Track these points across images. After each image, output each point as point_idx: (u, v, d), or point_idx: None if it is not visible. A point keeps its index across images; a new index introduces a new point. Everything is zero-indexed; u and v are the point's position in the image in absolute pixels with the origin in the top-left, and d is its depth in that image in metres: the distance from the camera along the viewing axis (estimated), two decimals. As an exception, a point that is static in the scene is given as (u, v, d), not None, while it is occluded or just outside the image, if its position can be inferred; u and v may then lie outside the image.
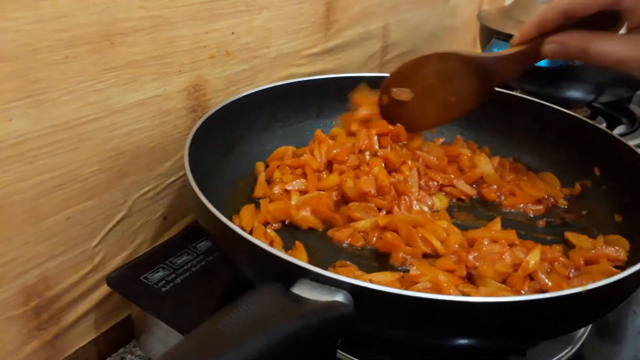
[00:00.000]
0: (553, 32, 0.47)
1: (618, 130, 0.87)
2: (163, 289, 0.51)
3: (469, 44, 1.30)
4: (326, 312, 0.29)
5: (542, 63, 0.74)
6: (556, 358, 0.42)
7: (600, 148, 0.56)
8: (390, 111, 0.57)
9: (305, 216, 0.49)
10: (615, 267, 0.44)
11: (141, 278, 0.52)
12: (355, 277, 0.39)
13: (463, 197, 0.56)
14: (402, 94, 0.55)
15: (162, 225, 0.61)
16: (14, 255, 0.46)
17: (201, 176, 0.51)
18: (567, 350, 0.43)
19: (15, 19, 0.41)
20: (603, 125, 0.86)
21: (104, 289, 0.55)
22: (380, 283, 0.38)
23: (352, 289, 0.32)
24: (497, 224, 0.50)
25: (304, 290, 0.32)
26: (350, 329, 0.31)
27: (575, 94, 0.85)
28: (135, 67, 0.52)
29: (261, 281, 0.35)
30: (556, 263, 0.46)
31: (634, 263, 0.36)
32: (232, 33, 0.62)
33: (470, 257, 0.43)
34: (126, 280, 0.52)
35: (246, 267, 0.39)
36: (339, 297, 0.31)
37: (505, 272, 0.42)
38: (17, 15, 0.41)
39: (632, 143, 0.84)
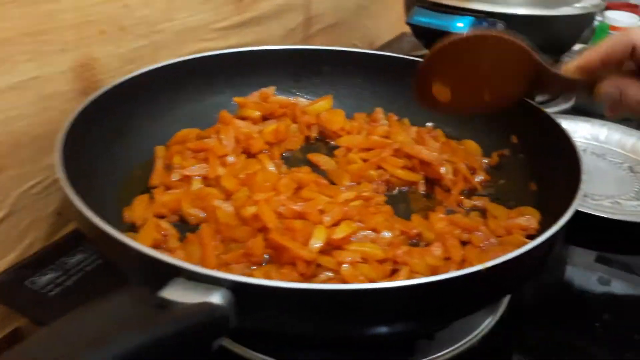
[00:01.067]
0: (618, 67, 0.46)
1: (540, 99, 0.86)
2: (50, 294, 0.46)
3: (400, 15, 1.27)
4: (190, 318, 0.25)
5: (463, 30, 0.73)
6: (466, 339, 0.40)
7: (517, 115, 0.54)
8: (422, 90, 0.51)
9: (194, 214, 0.45)
10: (530, 236, 0.43)
11: (25, 283, 0.47)
12: (246, 273, 0.36)
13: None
14: (443, 93, 0.49)
15: (56, 222, 0.55)
16: None
17: (87, 164, 0.46)
18: (475, 333, 0.42)
19: None
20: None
21: (-14, 297, 0.49)
22: (274, 277, 0.35)
23: (234, 287, 0.28)
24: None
25: (177, 292, 0.28)
26: (226, 330, 0.27)
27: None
28: (5, 46, 0.46)
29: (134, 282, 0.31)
30: (476, 233, 0.44)
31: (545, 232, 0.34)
32: (125, 6, 0.56)
33: (399, 252, 0.40)
34: (7, 287, 0.47)
35: (120, 267, 0.35)
36: (215, 296, 0.27)
37: (436, 264, 0.39)
38: None
39: (554, 109, 0.86)
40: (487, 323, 0.43)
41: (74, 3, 0.50)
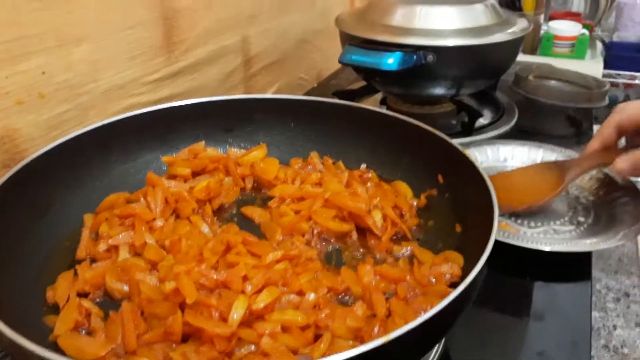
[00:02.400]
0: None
1: (480, 122, 0.88)
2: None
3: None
4: None
5: (393, 66, 0.75)
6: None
7: (440, 154, 0.55)
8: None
9: (119, 288, 0.44)
10: (453, 284, 0.43)
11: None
12: (165, 358, 0.35)
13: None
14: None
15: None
16: None
17: (10, 240, 0.45)
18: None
19: None
20: (465, 119, 0.88)
21: None
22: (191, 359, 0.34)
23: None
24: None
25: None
26: None
27: (436, 90, 0.85)
28: None
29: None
30: (402, 283, 0.45)
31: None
32: (43, 73, 0.55)
33: (321, 316, 0.40)
34: None
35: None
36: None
37: (358, 326, 0.39)
38: None
39: (495, 133, 0.88)
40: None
41: (-13, 77, 0.50)
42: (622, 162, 0.56)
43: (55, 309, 0.43)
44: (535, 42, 1.43)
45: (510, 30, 0.82)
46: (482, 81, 0.88)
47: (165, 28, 0.71)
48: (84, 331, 0.41)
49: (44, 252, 0.49)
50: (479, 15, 0.81)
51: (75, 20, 0.57)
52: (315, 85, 1.18)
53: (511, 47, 0.86)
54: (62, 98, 0.58)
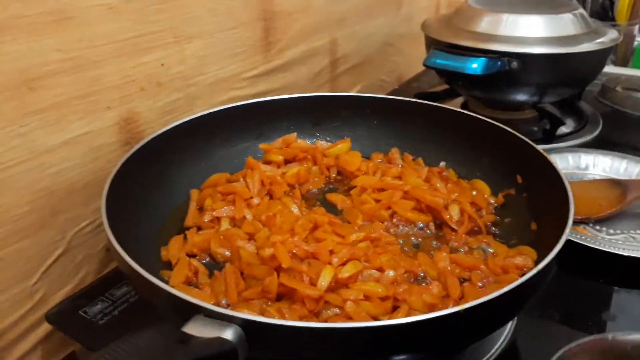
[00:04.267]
0: None
1: (562, 131, 0.88)
2: (100, 322, 0.52)
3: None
4: (205, 350, 0.30)
5: (477, 70, 0.77)
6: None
7: (521, 156, 0.57)
8: None
9: (221, 252, 0.50)
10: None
11: (80, 312, 0.53)
12: (262, 311, 0.41)
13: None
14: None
15: (105, 257, 0.62)
16: (-54, 301, 0.48)
17: (131, 208, 0.53)
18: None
19: None
20: (547, 126, 0.89)
21: (46, 325, 0.56)
22: (285, 313, 0.40)
23: (244, 324, 0.33)
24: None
25: (197, 327, 0.33)
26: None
27: (519, 97, 0.86)
28: (59, 109, 0.53)
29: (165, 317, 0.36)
30: (476, 271, 0.48)
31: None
32: (162, 64, 0.63)
33: (400, 290, 0.44)
34: (65, 316, 0.53)
35: (151, 302, 0.40)
36: (227, 332, 0.33)
37: (433, 302, 0.43)
38: None
39: (577, 142, 0.88)
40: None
41: (117, 66, 0.58)
42: None
43: (168, 266, 0.51)
44: (627, 53, 1.38)
45: (598, 41, 0.82)
46: (566, 90, 0.89)
47: (264, 29, 0.78)
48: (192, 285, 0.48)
49: (158, 218, 0.57)
50: (567, 25, 0.81)
51: (190, 20, 0.65)
52: (397, 87, 1.22)
53: (598, 58, 0.85)
54: (176, 87, 0.66)
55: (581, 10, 0.85)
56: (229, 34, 0.72)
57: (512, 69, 0.79)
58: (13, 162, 0.50)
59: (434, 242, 0.54)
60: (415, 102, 0.70)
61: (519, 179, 0.58)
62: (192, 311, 0.34)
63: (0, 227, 0.50)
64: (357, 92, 1.09)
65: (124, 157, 0.54)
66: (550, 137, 0.87)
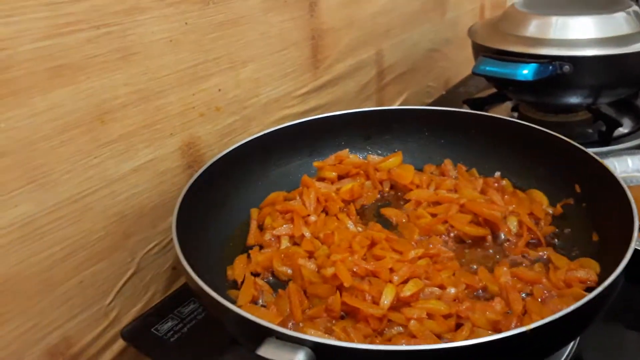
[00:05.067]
0: None
1: (619, 131, 0.86)
2: (172, 340, 0.55)
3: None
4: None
5: (529, 77, 0.77)
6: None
7: (578, 165, 0.56)
8: None
9: (284, 271, 0.52)
10: (589, 288, 0.46)
11: (152, 330, 0.57)
12: (327, 330, 0.42)
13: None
14: None
15: (172, 275, 0.65)
16: (33, 322, 0.52)
17: (196, 229, 0.56)
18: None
19: (10, 118, 0.46)
20: (603, 128, 0.86)
21: (121, 342, 0.59)
22: (348, 337, 0.41)
23: (314, 346, 0.35)
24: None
25: (270, 350, 0.35)
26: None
27: (572, 99, 0.85)
28: (128, 138, 0.57)
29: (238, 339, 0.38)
30: (538, 285, 0.48)
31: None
32: (219, 90, 0.66)
33: (462, 307, 0.44)
34: (138, 333, 0.57)
35: (223, 325, 0.43)
36: (300, 355, 0.34)
37: (497, 319, 0.43)
38: (12, 114, 0.46)
39: (635, 142, 0.85)
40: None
41: (178, 95, 0.61)
42: None
43: (234, 285, 0.53)
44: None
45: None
46: (622, 90, 0.86)
47: (312, 47, 0.80)
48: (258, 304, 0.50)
49: (222, 238, 0.59)
50: (620, 24, 0.79)
51: (244, 45, 0.68)
52: (444, 92, 1.21)
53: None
54: (232, 110, 0.69)
55: (635, 8, 0.83)
56: (280, 55, 0.74)
57: (564, 72, 0.78)
58: (89, 191, 0.54)
59: (494, 255, 0.54)
60: (466, 112, 0.70)
61: (577, 188, 0.57)
62: (264, 334, 0.36)
63: (81, 252, 0.54)
64: (404, 100, 1.10)
65: (189, 181, 0.57)
66: (606, 139, 0.84)
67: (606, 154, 0.76)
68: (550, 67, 0.77)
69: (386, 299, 0.44)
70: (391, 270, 0.47)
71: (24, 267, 0.50)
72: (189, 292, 0.61)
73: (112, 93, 0.54)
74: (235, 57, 0.67)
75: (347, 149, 0.70)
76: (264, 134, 0.67)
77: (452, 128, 0.71)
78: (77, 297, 0.55)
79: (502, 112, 1.00)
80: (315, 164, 0.68)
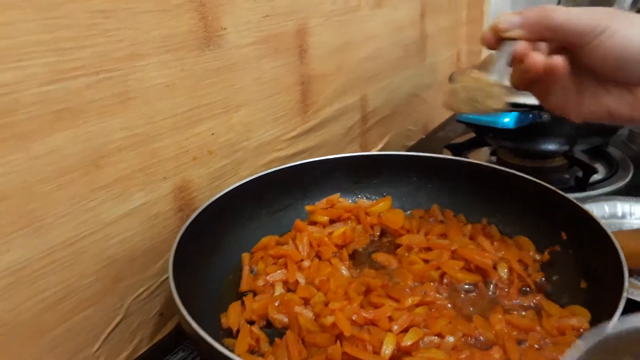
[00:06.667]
0: None
1: (594, 177, 0.89)
2: (162, 390, 0.54)
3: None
4: None
5: (510, 125, 0.80)
6: None
7: (562, 212, 0.59)
8: None
9: (280, 319, 0.52)
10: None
11: (141, 379, 0.55)
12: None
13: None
14: None
15: (159, 322, 0.64)
16: (21, 369, 0.50)
17: (190, 274, 0.55)
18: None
19: (9, 162, 0.45)
20: (579, 174, 0.90)
21: (107, 393, 0.57)
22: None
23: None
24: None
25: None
26: None
27: (550, 146, 0.89)
28: (123, 182, 0.56)
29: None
30: (532, 333, 0.49)
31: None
32: (212, 134, 0.67)
33: (462, 356, 0.45)
34: (126, 384, 0.55)
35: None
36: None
37: None
38: (12, 158, 0.45)
39: (609, 189, 0.89)
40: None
41: (173, 139, 0.61)
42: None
43: (228, 332, 0.52)
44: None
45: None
46: (597, 138, 0.91)
47: (302, 92, 0.82)
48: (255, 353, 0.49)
49: (215, 283, 0.59)
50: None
51: (238, 90, 0.69)
52: (423, 136, 1.25)
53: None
54: (224, 154, 0.69)
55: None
56: (272, 100, 0.75)
57: (543, 121, 0.81)
58: (83, 235, 0.53)
59: (486, 301, 0.55)
60: (452, 159, 0.72)
61: (564, 235, 0.59)
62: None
63: (72, 297, 0.53)
64: (386, 143, 1.12)
65: (185, 224, 0.57)
66: (583, 185, 0.88)
67: (584, 200, 0.79)
68: (530, 116, 0.80)
69: (387, 349, 0.44)
70: (390, 318, 0.48)
71: (17, 313, 0.48)
72: (176, 340, 0.60)
73: (109, 137, 0.54)
74: (229, 101, 0.68)
75: (339, 194, 0.71)
76: (256, 178, 0.68)
77: (438, 174, 0.73)
78: (66, 344, 0.53)
79: (481, 156, 1.03)
80: (308, 207, 0.68)
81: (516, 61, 0.47)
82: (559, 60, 0.45)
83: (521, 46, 0.46)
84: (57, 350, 0.53)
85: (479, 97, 0.48)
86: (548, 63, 0.45)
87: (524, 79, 0.48)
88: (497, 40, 0.47)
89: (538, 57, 0.45)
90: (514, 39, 0.46)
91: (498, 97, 0.48)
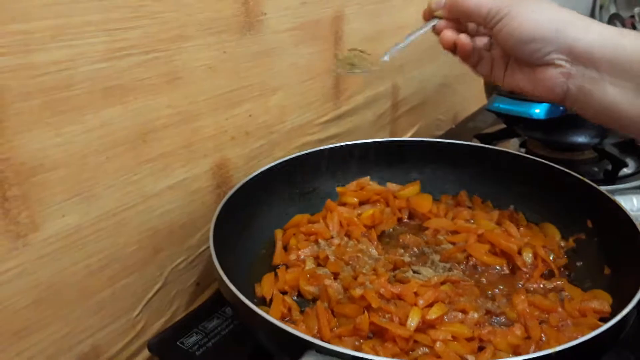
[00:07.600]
0: None
1: (623, 171, 0.89)
2: (197, 353, 0.57)
3: (482, 88, 1.35)
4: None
5: (541, 115, 0.80)
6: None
7: (590, 201, 0.60)
8: None
9: (310, 290, 0.55)
10: (602, 318, 0.48)
11: (177, 343, 0.59)
12: (355, 348, 0.45)
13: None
14: None
15: (195, 291, 0.68)
16: (69, 329, 0.54)
17: (226, 247, 0.58)
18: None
19: (67, 133, 0.49)
20: (608, 167, 0.90)
21: (146, 353, 0.61)
22: (379, 351, 0.43)
23: (353, 360, 0.37)
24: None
25: (310, 364, 0.37)
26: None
27: (580, 138, 0.88)
28: (166, 157, 0.60)
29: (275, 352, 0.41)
30: (554, 314, 0.51)
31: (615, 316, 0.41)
32: (250, 115, 0.70)
33: (485, 331, 0.47)
34: (164, 346, 0.59)
35: (261, 338, 0.45)
36: (340, 368, 0.37)
37: (517, 343, 0.46)
38: (69, 129, 0.49)
39: (637, 183, 0.88)
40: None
41: (213, 119, 0.64)
42: None
43: (262, 302, 0.55)
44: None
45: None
46: (627, 131, 0.90)
47: (335, 78, 0.84)
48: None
49: (249, 258, 0.62)
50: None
51: (275, 74, 0.72)
52: (453, 126, 1.25)
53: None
54: (260, 135, 0.72)
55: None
56: (306, 85, 0.78)
57: (574, 112, 0.82)
58: (127, 206, 0.57)
59: (510, 284, 0.57)
60: (482, 146, 0.74)
61: (589, 223, 0.60)
62: (305, 347, 0.39)
63: (115, 264, 0.57)
64: (416, 132, 1.14)
65: (223, 199, 0.60)
66: (612, 178, 0.88)
67: (612, 193, 0.79)
68: (561, 107, 0.81)
69: (412, 321, 0.46)
70: (416, 294, 0.50)
71: (65, 275, 0.52)
72: (211, 308, 0.64)
73: (156, 114, 0.57)
74: (266, 85, 0.71)
75: (369, 177, 0.73)
76: (289, 159, 0.71)
77: (468, 161, 0.74)
78: (108, 308, 0.57)
79: (510, 147, 1.04)
80: (338, 189, 0.71)
81: (437, 35, 0.55)
82: (464, 39, 0.53)
83: (440, 24, 0.54)
84: (102, 313, 0.57)
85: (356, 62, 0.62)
86: (456, 40, 0.53)
87: (447, 49, 0.55)
88: (430, 15, 0.56)
89: (447, 35, 0.53)
90: (440, 18, 0.54)
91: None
